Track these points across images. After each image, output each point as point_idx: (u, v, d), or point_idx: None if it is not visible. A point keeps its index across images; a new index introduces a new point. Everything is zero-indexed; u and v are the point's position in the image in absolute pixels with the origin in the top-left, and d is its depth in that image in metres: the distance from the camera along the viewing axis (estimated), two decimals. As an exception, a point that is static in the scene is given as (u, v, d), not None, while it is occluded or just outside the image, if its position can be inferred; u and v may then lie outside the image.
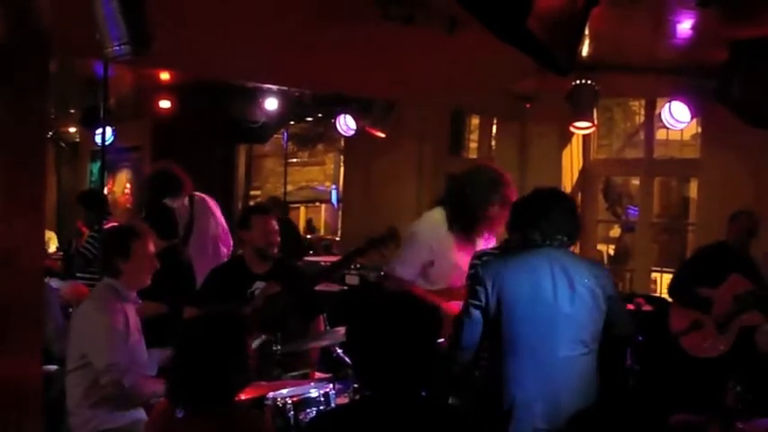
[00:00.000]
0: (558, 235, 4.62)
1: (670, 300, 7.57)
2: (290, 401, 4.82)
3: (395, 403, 3.06)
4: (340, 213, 14.72)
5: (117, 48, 3.99)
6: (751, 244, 7.57)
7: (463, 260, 5.68)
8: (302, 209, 19.82)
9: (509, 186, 5.84)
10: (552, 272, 4.53)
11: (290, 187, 16.18)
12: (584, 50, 7.51)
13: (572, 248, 4.88)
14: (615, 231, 13.42)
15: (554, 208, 4.69)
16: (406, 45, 6.63)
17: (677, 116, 8.19)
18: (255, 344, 5.29)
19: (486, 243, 5.95)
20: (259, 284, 5.98)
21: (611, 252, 13.10)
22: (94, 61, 8.12)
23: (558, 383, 4.49)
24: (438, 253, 5.93)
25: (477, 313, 4.53)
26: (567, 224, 4.67)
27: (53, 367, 5.58)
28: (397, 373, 3.08)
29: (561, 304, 4.51)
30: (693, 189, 11.03)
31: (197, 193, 7.85)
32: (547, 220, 4.66)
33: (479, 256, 5.38)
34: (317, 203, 20.04)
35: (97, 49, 4.15)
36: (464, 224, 5.91)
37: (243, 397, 4.38)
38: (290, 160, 16.31)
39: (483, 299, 4.55)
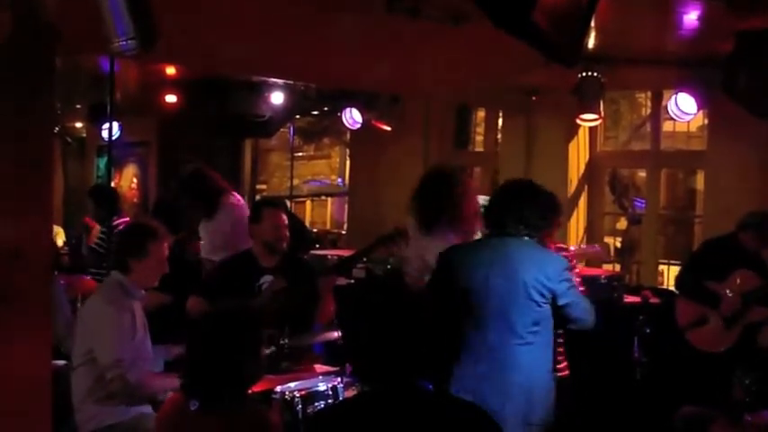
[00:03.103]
0: (517, 226, 4.67)
1: (677, 292, 7.54)
2: (297, 395, 4.83)
3: (393, 397, 3.06)
4: (346, 207, 14.71)
5: (123, 43, 3.97)
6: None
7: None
8: (308, 203, 19.80)
9: (464, 192, 5.85)
10: (492, 262, 4.62)
11: (296, 181, 16.18)
12: (590, 43, 7.50)
13: (572, 239, 4.93)
14: (622, 224, 13.38)
15: (515, 200, 4.74)
16: (412, 38, 6.63)
17: (684, 108, 8.16)
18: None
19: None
20: (267, 278, 6.00)
21: (618, 245, 13.08)
22: (100, 57, 8.13)
23: (492, 371, 4.54)
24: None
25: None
26: (528, 216, 4.69)
27: (62, 362, 5.59)
28: (388, 365, 3.07)
29: (493, 294, 4.55)
30: (700, 181, 11.01)
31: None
32: (504, 211, 4.72)
33: (443, 252, 5.39)
34: (323, 197, 20.02)
35: (103, 44, 4.14)
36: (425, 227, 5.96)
37: (250, 391, 4.39)
38: (296, 154, 16.31)
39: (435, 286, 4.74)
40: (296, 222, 10.68)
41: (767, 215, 7.27)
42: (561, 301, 4.62)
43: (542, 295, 4.56)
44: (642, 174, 11.31)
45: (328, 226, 18.82)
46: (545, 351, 4.67)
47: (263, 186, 18.15)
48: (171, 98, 10.78)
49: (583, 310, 4.69)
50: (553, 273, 4.61)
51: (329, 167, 20.37)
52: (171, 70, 9.94)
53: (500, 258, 4.62)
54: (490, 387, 4.53)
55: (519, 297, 4.55)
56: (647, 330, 5.94)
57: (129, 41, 3.98)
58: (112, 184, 10.16)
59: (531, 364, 4.58)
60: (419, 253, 5.89)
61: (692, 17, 6.74)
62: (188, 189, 7.90)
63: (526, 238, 4.69)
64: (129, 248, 5.29)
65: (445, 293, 4.78)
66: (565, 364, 5.41)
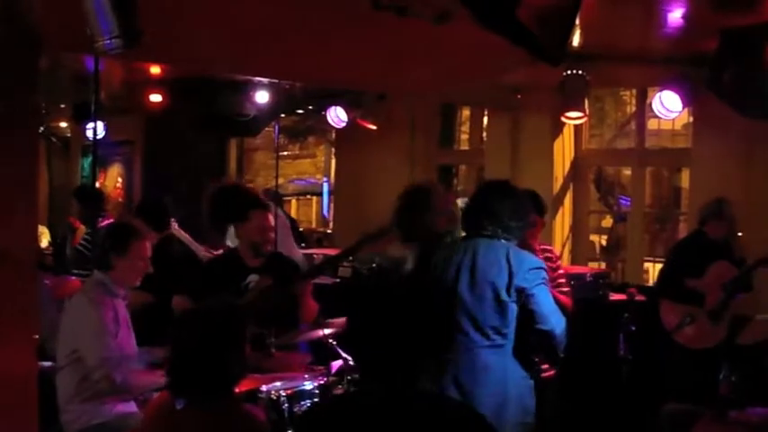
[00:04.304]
0: (494, 228, 4.68)
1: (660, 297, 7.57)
2: (284, 394, 4.84)
3: (388, 396, 3.06)
4: (332, 205, 14.71)
5: (107, 42, 3.96)
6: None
7: None
8: (293, 201, 19.79)
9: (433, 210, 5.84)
10: (462, 262, 4.63)
11: (281, 180, 16.16)
12: (575, 40, 7.52)
13: (557, 237, 4.95)
14: (607, 222, 13.44)
15: (492, 202, 4.74)
16: (397, 36, 6.62)
17: (668, 106, 8.19)
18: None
19: None
20: (253, 277, 6.00)
21: (604, 242, 13.13)
22: (85, 56, 8.10)
23: (463, 372, 4.55)
24: None
25: None
26: (504, 218, 4.71)
27: (48, 364, 5.58)
28: (399, 364, 3.08)
29: (463, 295, 4.57)
30: (685, 179, 11.03)
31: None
32: (481, 213, 4.73)
33: (421, 254, 5.41)
34: (309, 196, 20.02)
35: (87, 43, 4.13)
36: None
37: (237, 390, 4.39)
38: (282, 153, 16.29)
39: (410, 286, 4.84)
40: (288, 220, 10.73)
41: (720, 200, 7.39)
42: (529, 299, 4.55)
43: (511, 295, 4.53)
44: (627, 172, 11.33)
45: (314, 225, 18.83)
46: (516, 352, 4.66)
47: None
48: (156, 97, 10.76)
49: (551, 310, 4.60)
50: (523, 271, 4.55)
51: (314, 166, 20.35)
52: (156, 69, 9.92)
53: (471, 259, 4.63)
54: (460, 389, 4.53)
55: (488, 298, 4.53)
56: (633, 328, 5.95)
57: (113, 40, 3.97)
58: (97, 184, 10.14)
59: (501, 364, 4.57)
60: None
61: (676, 15, 6.77)
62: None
63: (503, 240, 4.69)
64: (111, 245, 5.31)
65: (420, 292, 4.80)
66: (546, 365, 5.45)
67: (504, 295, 4.53)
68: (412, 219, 5.74)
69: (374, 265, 8.92)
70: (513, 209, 4.74)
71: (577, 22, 6.26)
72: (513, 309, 4.56)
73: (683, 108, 8.34)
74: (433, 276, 4.74)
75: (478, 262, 4.60)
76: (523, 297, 4.54)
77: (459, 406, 3.19)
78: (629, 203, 10.71)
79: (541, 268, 4.68)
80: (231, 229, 7.14)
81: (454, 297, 4.58)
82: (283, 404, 4.83)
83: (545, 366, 5.48)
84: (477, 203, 4.85)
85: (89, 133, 10.28)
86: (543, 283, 4.61)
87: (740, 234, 7.52)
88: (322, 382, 5.03)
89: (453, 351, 4.58)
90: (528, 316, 4.58)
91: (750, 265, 7.14)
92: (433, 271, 4.76)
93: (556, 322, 4.58)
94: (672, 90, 8.12)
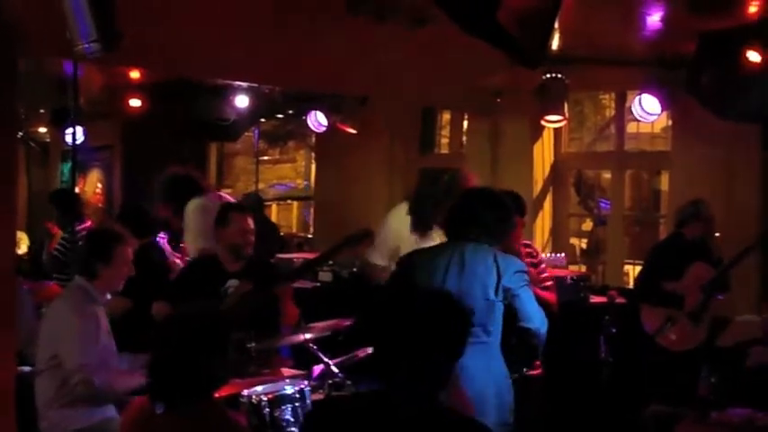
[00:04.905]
0: (477, 233, 4.75)
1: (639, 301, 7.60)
2: (265, 399, 4.83)
3: (391, 402, 3.07)
4: (312, 210, 14.69)
5: (86, 46, 3.97)
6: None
7: None
8: (274, 206, 19.76)
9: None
10: (449, 266, 4.70)
11: (261, 185, 16.14)
12: (554, 44, 7.54)
13: (537, 241, 5.00)
14: (587, 225, 13.46)
15: (474, 208, 4.81)
16: (376, 41, 6.64)
17: (648, 109, 8.22)
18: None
19: None
20: (233, 282, 5.98)
21: (584, 246, 13.15)
22: (64, 60, 8.07)
23: None
24: (404, 240, 6.09)
25: None
26: (487, 224, 4.78)
27: (27, 369, 5.55)
28: (420, 374, 3.09)
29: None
30: (665, 182, 11.07)
31: (220, 193, 7.85)
32: (464, 218, 4.80)
33: (404, 256, 5.41)
34: (289, 201, 19.98)
35: (66, 47, 4.13)
36: (421, 228, 6.06)
37: (217, 395, 4.37)
38: (261, 158, 16.27)
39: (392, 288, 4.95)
40: (268, 225, 10.73)
41: (697, 201, 7.45)
42: (514, 298, 4.67)
43: (498, 295, 4.62)
44: (607, 175, 11.36)
45: (294, 229, 18.80)
46: (498, 351, 4.71)
47: (229, 191, 18.07)
48: (135, 102, 10.71)
49: (536, 310, 4.72)
50: (510, 273, 4.67)
51: (294, 171, 20.32)
52: (135, 74, 9.89)
53: (457, 262, 4.69)
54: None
55: (477, 297, 4.59)
56: (613, 330, 5.97)
57: (92, 44, 3.97)
58: (77, 190, 10.09)
59: (484, 363, 4.60)
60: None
61: (654, 18, 6.80)
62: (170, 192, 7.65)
63: (486, 245, 4.75)
64: (95, 253, 5.28)
65: (402, 295, 4.82)
66: (538, 362, 5.48)
67: (491, 294, 4.62)
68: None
69: (354, 269, 8.92)
70: (498, 216, 4.83)
71: (556, 25, 6.30)
72: (500, 307, 4.66)
73: (662, 111, 8.37)
74: (416, 279, 4.77)
75: (467, 261, 4.68)
76: (509, 297, 4.65)
77: (470, 422, 3.21)
78: (608, 206, 10.74)
79: (525, 272, 4.80)
80: (192, 229, 7.18)
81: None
82: (264, 409, 4.81)
83: (536, 364, 5.53)
84: (461, 210, 4.91)
85: (68, 138, 10.21)
86: (527, 285, 4.74)
87: (717, 234, 7.57)
88: (303, 386, 5.01)
89: None
90: (512, 314, 4.66)
91: (726, 265, 7.20)
92: (417, 273, 4.79)
93: (540, 322, 4.71)
94: (651, 93, 8.15)
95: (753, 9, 6.38)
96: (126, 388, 4.97)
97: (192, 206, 6.99)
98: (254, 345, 5.29)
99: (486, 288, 4.61)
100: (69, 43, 4.06)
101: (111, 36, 4.04)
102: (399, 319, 3.19)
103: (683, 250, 7.43)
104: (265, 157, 18.21)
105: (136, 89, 10.58)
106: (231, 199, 7.75)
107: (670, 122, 9.78)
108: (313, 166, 15.52)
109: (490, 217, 4.79)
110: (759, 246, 7.37)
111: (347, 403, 3.61)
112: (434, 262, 4.77)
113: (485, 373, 4.59)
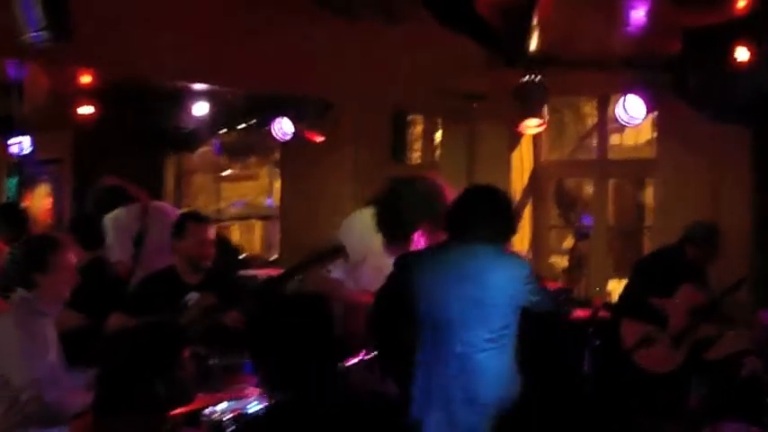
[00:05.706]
0: (479, 232, 4.79)
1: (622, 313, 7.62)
2: (228, 416, 4.78)
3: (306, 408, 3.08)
4: (277, 230, 14.62)
5: (34, 34, 3.92)
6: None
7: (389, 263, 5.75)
8: (236, 227, 19.67)
9: (445, 201, 5.87)
10: (457, 267, 4.79)
11: (222, 204, 16.09)
12: (534, 45, 7.55)
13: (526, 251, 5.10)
14: (569, 242, 13.47)
15: (478, 205, 4.84)
16: (345, 40, 6.64)
17: (632, 111, 8.20)
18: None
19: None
20: (193, 295, 5.95)
21: (566, 263, 13.15)
22: (7, 62, 7.99)
23: (462, 373, 4.70)
24: (372, 251, 6.14)
25: None
26: (493, 222, 4.84)
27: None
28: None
29: (458, 300, 4.66)
30: (649, 194, 11.09)
31: (153, 203, 7.81)
32: (469, 217, 4.81)
33: (402, 256, 5.43)
34: (252, 220, 19.91)
35: (9, 44, 4.07)
36: (391, 236, 6.05)
37: (179, 411, 4.34)
38: (222, 174, 16.21)
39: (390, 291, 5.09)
40: (223, 241, 10.65)
41: (713, 229, 7.41)
42: (532, 302, 4.84)
43: (510, 299, 4.73)
44: (589, 188, 11.35)
45: (258, 251, 18.71)
46: (509, 355, 4.74)
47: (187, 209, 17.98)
48: (86, 109, 10.58)
49: (549, 303, 5.00)
50: (521, 276, 4.80)
51: (257, 188, 20.25)
52: (86, 78, 9.77)
53: (466, 264, 4.72)
54: (460, 389, 4.70)
55: (484, 302, 4.66)
56: (597, 343, 5.99)
57: (41, 32, 3.92)
58: (23, 204, 10.00)
59: (496, 368, 4.66)
60: (377, 265, 5.94)
61: (638, 14, 6.82)
62: (105, 205, 7.72)
63: (495, 245, 4.78)
64: (29, 262, 5.19)
65: (401, 298, 4.86)
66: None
67: (503, 298, 4.76)
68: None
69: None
70: (503, 214, 4.93)
71: (536, 23, 6.31)
72: (510, 311, 4.80)
73: (647, 113, 8.32)
74: (419, 281, 4.85)
75: (476, 266, 4.78)
76: (525, 298, 4.82)
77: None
78: (590, 221, 10.72)
79: (531, 270, 4.97)
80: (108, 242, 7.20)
81: (449, 302, 4.68)
82: (227, 427, 4.77)
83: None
84: (465, 208, 4.92)
85: (14, 149, 10.13)
86: (536, 284, 4.95)
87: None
88: (268, 403, 4.97)
89: (449, 353, 4.74)
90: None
91: (719, 295, 7.19)
92: (419, 275, 4.82)
93: (552, 308, 5.06)
94: (636, 94, 8.15)
95: (741, 3, 6.40)
96: (77, 406, 4.91)
97: (107, 219, 7.17)
98: (217, 360, 5.26)
99: (499, 292, 4.74)
100: (15, 33, 4.01)
101: (62, 25, 3.99)
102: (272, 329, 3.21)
103: (679, 267, 7.41)
104: (227, 172, 18.17)
105: (86, 95, 10.46)
106: (168, 211, 7.78)
107: (655, 134, 9.80)
108: (277, 184, 15.47)
109: (498, 216, 4.85)
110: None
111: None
112: (438, 265, 4.79)
113: (499, 376, 4.77)
